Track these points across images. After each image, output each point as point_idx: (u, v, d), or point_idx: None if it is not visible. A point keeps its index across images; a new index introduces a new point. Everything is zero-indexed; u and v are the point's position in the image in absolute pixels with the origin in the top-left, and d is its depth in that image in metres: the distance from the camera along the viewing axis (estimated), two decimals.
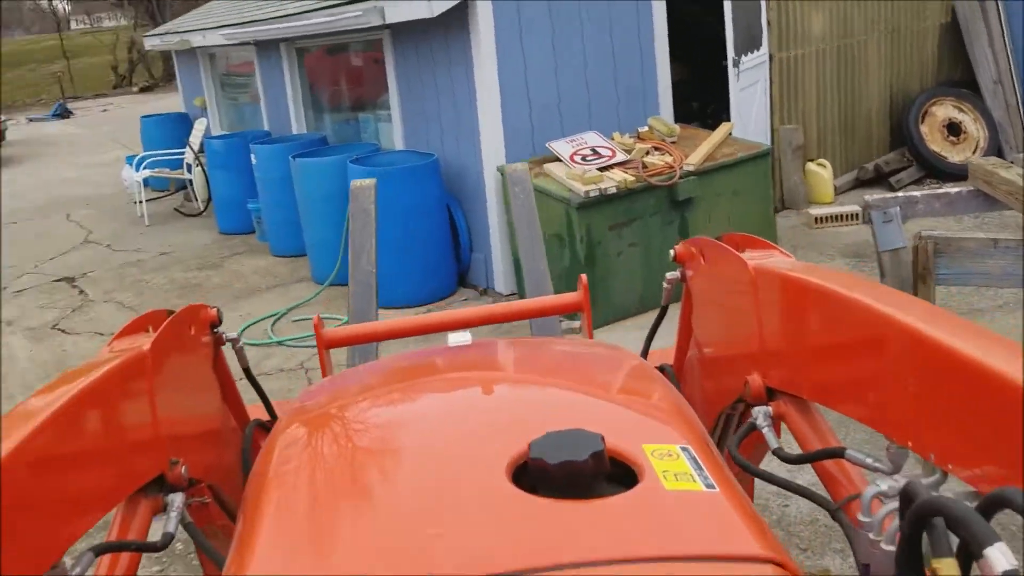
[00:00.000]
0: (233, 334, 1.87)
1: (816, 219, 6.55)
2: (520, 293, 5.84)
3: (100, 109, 23.48)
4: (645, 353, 2.05)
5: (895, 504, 1.03)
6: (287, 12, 7.47)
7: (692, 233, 5.44)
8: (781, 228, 6.31)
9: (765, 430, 1.41)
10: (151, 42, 11.62)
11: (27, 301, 6.91)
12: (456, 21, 5.64)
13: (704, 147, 5.51)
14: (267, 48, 8.51)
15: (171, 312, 1.62)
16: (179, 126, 10.93)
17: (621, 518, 0.93)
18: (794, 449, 1.34)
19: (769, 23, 6.78)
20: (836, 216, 6.54)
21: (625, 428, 1.16)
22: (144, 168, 9.59)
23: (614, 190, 5.06)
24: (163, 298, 6.65)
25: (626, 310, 5.19)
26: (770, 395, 1.46)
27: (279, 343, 5.52)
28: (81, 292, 7.04)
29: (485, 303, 5.85)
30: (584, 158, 5.35)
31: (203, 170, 9.27)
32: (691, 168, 5.32)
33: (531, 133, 5.75)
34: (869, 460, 1.18)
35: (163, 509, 1.33)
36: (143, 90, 29.45)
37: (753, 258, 1.53)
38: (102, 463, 1.23)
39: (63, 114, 21.97)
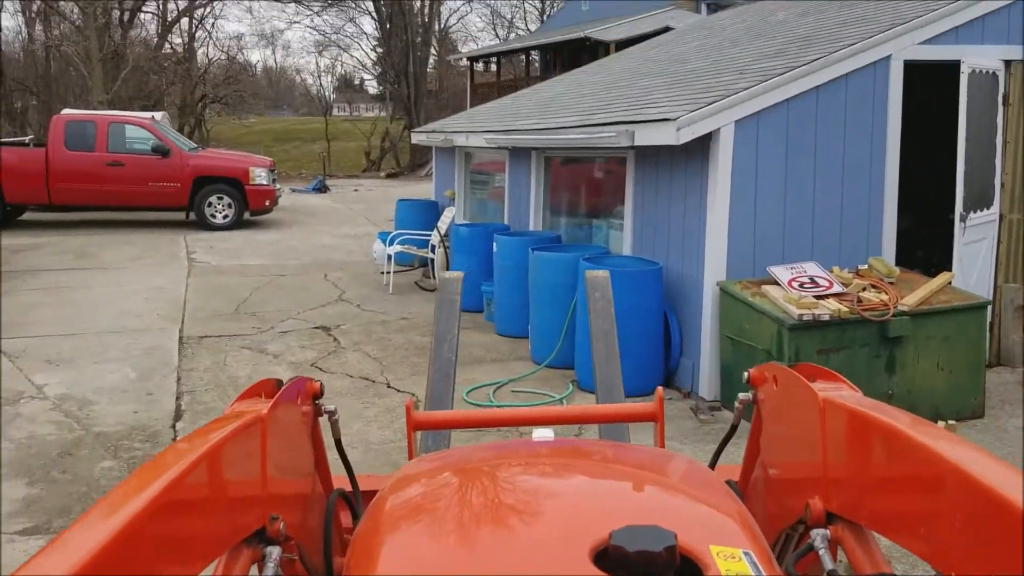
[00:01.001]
0: (331, 407, 1.98)
1: None
2: (723, 400, 6.25)
3: (352, 188, 26.12)
4: (713, 466, 2.15)
5: None
6: (547, 126, 8.47)
7: (899, 370, 5.67)
8: (992, 382, 6.36)
9: (822, 552, 1.49)
10: (417, 137, 13.19)
11: (291, 341, 8.08)
12: (698, 148, 6.31)
13: (921, 291, 5.78)
14: (519, 153, 9.57)
15: (280, 382, 1.77)
16: (427, 211, 12.27)
17: None
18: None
19: (1003, 184, 6.97)
20: None
21: (696, 529, 1.27)
22: (396, 243, 10.86)
23: (827, 317, 5.44)
24: (402, 355, 7.59)
25: None
26: (829, 519, 1.55)
27: (498, 407, 6.22)
28: (335, 340, 8.14)
29: (687, 405, 6.30)
30: (802, 284, 5.77)
31: (445, 252, 10.39)
32: (905, 308, 5.60)
33: (753, 255, 6.25)
34: None
35: (260, 559, 1.46)
36: (389, 176, 32.41)
37: (823, 389, 1.63)
38: (220, 511, 1.38)
39: (322, 189, 24.66)
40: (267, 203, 16.15)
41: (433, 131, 12.41)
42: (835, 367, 5.53)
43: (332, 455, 2.03)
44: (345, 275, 11.45)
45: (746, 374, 2.01)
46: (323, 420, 1.96)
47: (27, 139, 18.42)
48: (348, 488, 2.04)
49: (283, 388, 1.71)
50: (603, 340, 2.79)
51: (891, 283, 5.97)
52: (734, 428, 2.11)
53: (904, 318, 5.58)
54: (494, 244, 8.53)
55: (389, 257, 10.75)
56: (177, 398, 6.49)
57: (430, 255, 10.82)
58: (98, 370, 7.13)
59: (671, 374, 6.74)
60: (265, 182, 16.04)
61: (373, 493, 1.77)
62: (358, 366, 7.28)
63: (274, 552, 1.45)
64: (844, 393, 1.64)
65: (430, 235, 11.01)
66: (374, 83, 50.43)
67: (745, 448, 2.07)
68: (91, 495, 4.84)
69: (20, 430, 5.76)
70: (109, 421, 5.98)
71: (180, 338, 8.16)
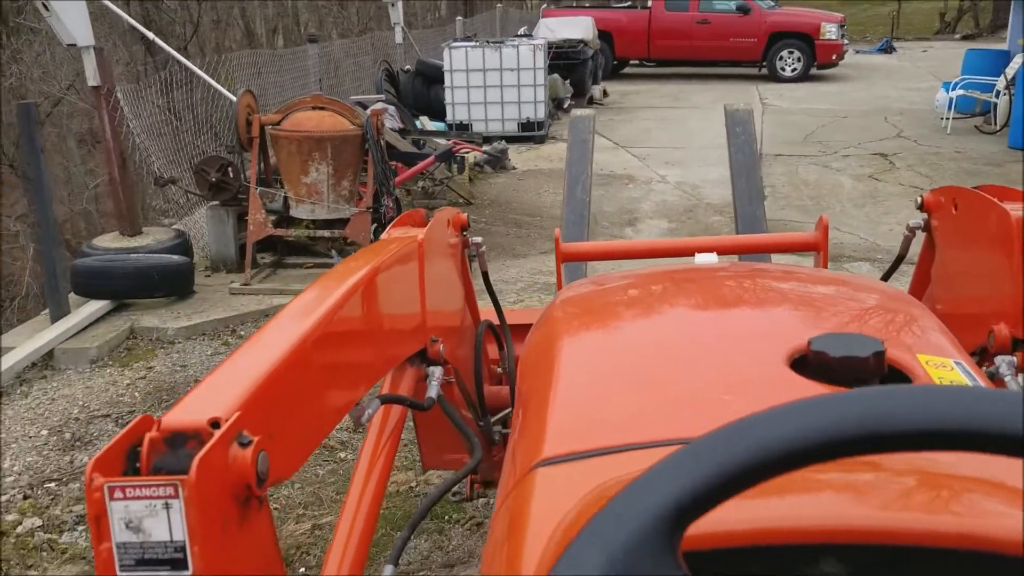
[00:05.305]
0: (478, 239, 1.93)
1: None
2: None
3: (920, 50, 25.57)
4: None
5: None
6: None
7: None
8: None
9: (1007, 378, 1.40)
10: None
11: (851, 162, 9.64)
12: None
13: None
14: None
15: (428, 215, 1.73)
16: (997, 59, 12.42)
17: None
18: None
19: None
20: None
21: (899, 339, 1.16)
22: (957, 88, 11.48)
23: None
24: (950, 175, 8.69)
25: None
26: (1015, 346, 1.46)
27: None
28: (889, 162, 9.49)
29: None
30: None
31: (1009, 97, 10.78)
32: None
33: None
34: None
35: (424, 379, 1.48)
36: (965, 38, 30.42)
37: (1016, 209, 1.50)
38: (386, 331, 1.37)
39: (887, 49, 24.65)
40: (834, 57, 17.28)
41: None
42: None
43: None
44: (905, 119, 12.42)
45: (918, 198, 1.84)
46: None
47: (628, 2, 21.76)
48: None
49: (434, 216, 1.70)
50: (744, 177, 2.67)
51: None
52: (900, 258, 1.97)
53: None
54: None
55: (950, 102, 11.43)
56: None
57: (993, 100, 11.25)
58: (701, 170, 9.54)
59: None
60: (834, 37, 17.14)
61: (519, 326, 1.82)
62: (909, 180, 8.62)
63: (436, 372, 1.49)
64: None
65: (996, 81, 11.37)
66: None
67: (912, 278, 1.94)
68: (710, 231, 7.17)
69: (657, 197, 8.40)
70: (713, 197, 8.31)
71: (759, 154, 10.21)
